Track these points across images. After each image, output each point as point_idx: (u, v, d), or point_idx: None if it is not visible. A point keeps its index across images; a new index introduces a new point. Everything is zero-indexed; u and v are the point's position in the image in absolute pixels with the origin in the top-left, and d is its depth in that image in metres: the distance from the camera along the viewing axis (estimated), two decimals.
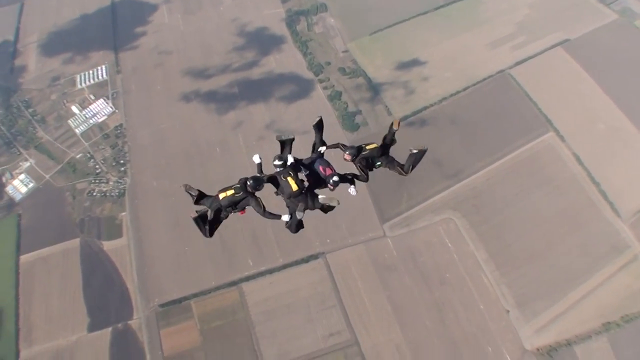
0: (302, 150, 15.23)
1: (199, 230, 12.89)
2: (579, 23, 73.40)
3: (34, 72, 73.81)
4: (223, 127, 65.75)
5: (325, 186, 13.29)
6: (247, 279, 53.44)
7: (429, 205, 57.31)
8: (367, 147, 13.92)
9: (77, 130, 66.68)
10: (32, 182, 62.47)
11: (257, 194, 12.91)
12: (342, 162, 13.99)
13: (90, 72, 72.74)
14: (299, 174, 13.40)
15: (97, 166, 63.44)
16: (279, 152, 13.55)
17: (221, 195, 12.69)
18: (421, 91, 67.54)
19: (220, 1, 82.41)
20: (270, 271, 53.74)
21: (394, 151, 14.30)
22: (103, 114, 68.21)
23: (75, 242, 57.01)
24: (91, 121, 67.50)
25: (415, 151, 13.87)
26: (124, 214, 59.13)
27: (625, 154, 59.66)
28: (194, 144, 64.15)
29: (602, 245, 53.78)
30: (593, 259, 52.96)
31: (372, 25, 75.98)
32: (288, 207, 13.12)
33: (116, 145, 65.10)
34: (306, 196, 12.94)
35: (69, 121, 67.57)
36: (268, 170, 13.35)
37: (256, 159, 13.63)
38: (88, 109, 68.62)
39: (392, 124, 14.24)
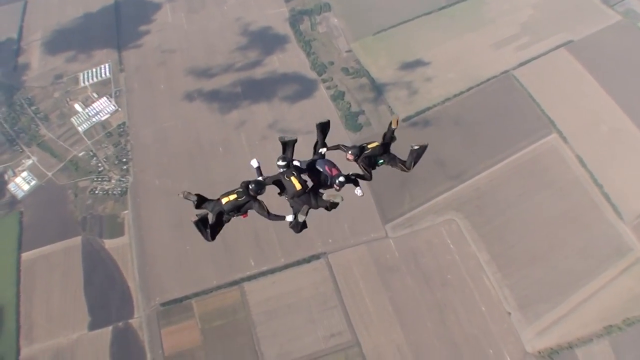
0: (304, 151, 15.21)
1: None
2: (582, 24, 73.60)
3: (37, 69, 74.08)
4: (226, 126, 65.97)
5: (329, 187, 13.33)
6: (249, 278, 53.62)
7: (432, 206, 57.52)
8: (369, 146, 14.01)
9: (79, 128, 66.94)
10: (34, 179, 62.70)
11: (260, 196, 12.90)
12: (344, 163, 13.98)
13: (94, 70, 73.02)
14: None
15: (99, 164, 63.71)
16: (281, 152, 13.66)
17: (224, 200, 12.66)
18: (424, 92, 67.78)
19: (223, 0, 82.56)
20: (272, 271, 53.94)
21: (396, 150, 14.38)
22: (106, 112, 68.46)
23: (77, 240, 57.17)
24: (94, 119, 67.76)
25: (416, 147, 14.02)
26: (126, 212, 59.34)
27: (628, 156, 59.86)
28: (197, 143, 64.37)
29: (605, 248, 53.90)
30: (595, 262, 53.08)
31: (376, 25, 76.23)
32: (292, 207, 13.10)
33: (119, 144, 65.36)
34: (309, 195, 12.93)
35: (72, 119, 67.86)
36: (268, 172, 13.52)
37: (254, 163, 13.69)
38: (91, 107, 68.87)
39: (391, 122, 14.34)
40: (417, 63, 71.18)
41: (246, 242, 54.59)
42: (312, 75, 71.18)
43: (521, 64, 69.51)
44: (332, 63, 72.29)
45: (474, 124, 63.85)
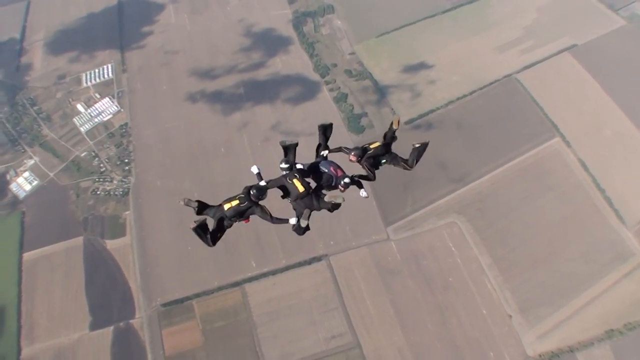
0: (306, 153, 15.61)
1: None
2: (586, 28, 73.97)
3: (40, 70, 75.01)
4: (228, 127, 66.71)
5: (334, 188, 13.49)
6: (250, 279, 54.29)
7: (434, 208, 58.08)
8: (371, 147, 14.20)
9: (82, 129, 67.84)
10: (36, 179, 63.55)
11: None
12: (347, 165, 14.09)
13: (96, 70, 73.89)
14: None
15: (101, 165, 64.60)
16: (283, 155, 13.86)
17: (226, 206, 12.72)
18: (428, 94, 68.37)
19: (227, 1, 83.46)
20: (273, 272, 54.58)
21: (398, 151, 14.61)
22: (108, 112, 69.38)
23: (79, 241, 57.98)
24: (96, 120, 68.65)
25: (417, 145, 14.28)
26: (127, 213, 60.14)
27: (631, 160, 60.27)
28: (199, 144, 65.13)
29: (607, 252, 54.36)
30: (597, 266, 53.54)
31: (379, 27, 76.87)
32: (295, 209, 13.21)
33: (121, 144, 66.24)
34: (312, 197, 13.00)
35: (74, 119, 68.78)
36: (271, 174, 13.75)
37: (254, 169, 13.79)
38: (93, 107, 69.80)
39: (392, 122, 14.49)
40: (421, 66, 71.73)
41: (247, 243, 55.15)
42: (315, 77, 71.86)
43: (525, 68, 70.03)
44: (335, 65, 72.93)
45: (476, 127, 64.43)
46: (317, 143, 14.50)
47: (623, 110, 64.44)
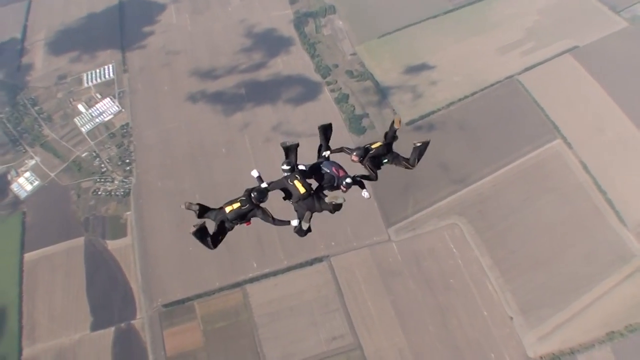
0: (308, 154, 15.87)
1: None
2: (588, 30, 73.98)
3: (41, 70, 75.61)
4: (229, 128, 67.13)
5: (336, 188, 13.64)
6: (251, 280, 54.67)
7: (435, 210, 58.32)
8: (373, 147, 14.34)
9: (83, 129, 68.42)
10: (37, 180, 64.08)
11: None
12: (349, 165, 14.30)
13: (97, 70, 74.46)
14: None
15: (102, 165, 65.15)
16: (284, 156, 14.06)
17: (227, 209, 12.82)
18: (429, 95, 68.64)
19: (228, 2, 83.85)
20: (274, 273, 54.97)
21: (399, 151, 14.87)
22: (109, 113, 69.93)
23: (80, 241, 58.48)
24: (97, 120, 69.21)
25: (419, 144, 14.42)
26: (128, 213, 60.62)
27: (632, 162, 60.31)
28: (200, 145, 65.58)
29: (608, 254, 54.46)
30: (598, 268, 53.66)
31: (381, 28, 77.25)
32: (296, 211, 13.38)
33: (122, 145, 66.77)
34: (313, 199, 13.13)
35: (75, 120, 69.38)
36: (273, 175, 14.02)
37: (254, 173, 13.90)
38: (94, 107, 70.39)
39: (392, 122, 14.58)
40: (422, 67, 71.97)
41: (249, 244, 55.51)
42: (317, 77, 72.21)
43: (526, 69, 70.09)
44: (336, 66, 73.30)
45: (478, 129, 64.69)
46: (318, 144, 14.73)
47: (625, 112, 64.48)
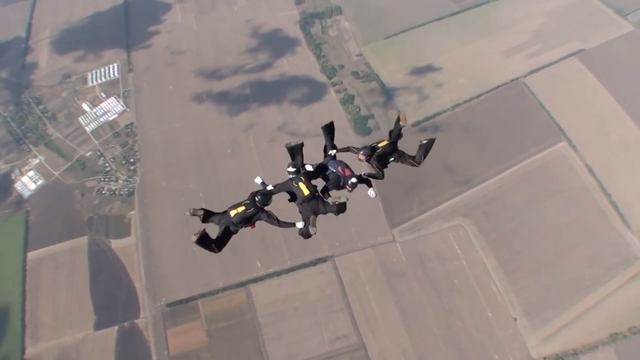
0: (313, 154, 16.00)
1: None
2: (594, 33, 74.85)
3: (46, 68, 76.87)
4: (234, 128, 68.17)
5: (342, 188, 13.85)
6: (255, 280, 55.59)
7: (439, 211, 59.23)
8: (379, 145, 14.52)
9: (87, 128, 69.49)
10: (41, 179, 65.07)
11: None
12: (356, 163, 14.69)
13: (102, 70, 75.66)
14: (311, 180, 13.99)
15: (106, 164, 66.06)
16: (289, 157, 14.46)
17: (232, 212, 13.03)
18: (435, 97, 69.57)
19: (234, 2, 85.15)
20: (278, 273, 55.92)
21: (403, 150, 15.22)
22: (114, 112, 71.04)
23: (83, 240, 59.44)
24: (102, 119, 70.32)
25: (425, 141, 14.74)
26: (132, 212, 61.56)
27: (637, 165, 60.95)
28: (205, 145, 66.58)
29: (612, 257, 55.25)
30: (602, 270, 54.48)
31: (387, 29, 78.39)
32: (301, 213, 13.55)
33: (126, 144, 67.79)
34: (318, 201, 13.34)
35: (80, 119, 70.46)
36: (274, 178, 14.64)
37: (257, 180, 14.18)
38: (99, 107, 71.50)
39: (398, 119, 14.83)
40: (428, 68, 72.92)
41: (253, 244, 56.31)
42: (322, 78, 73.28)
43: (532, 72, 70.95)
44: (342, 66, 74.38)
45: (483, 130, 65.56)
46: (323, 144, 15.08)
47: (630, 115, 65.33)
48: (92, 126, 69.96)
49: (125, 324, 54.44)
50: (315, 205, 13.33)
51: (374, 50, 76.56)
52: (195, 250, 58.16)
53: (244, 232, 13.45)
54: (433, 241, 57.72)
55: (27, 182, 65.16)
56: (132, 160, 66.61)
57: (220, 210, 13.45)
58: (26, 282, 57.14)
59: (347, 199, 13.13)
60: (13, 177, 66.07)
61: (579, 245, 56.53)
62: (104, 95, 73.13)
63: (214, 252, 12.86)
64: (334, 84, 72.51)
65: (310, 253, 56.57)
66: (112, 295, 56.30)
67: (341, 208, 13.16)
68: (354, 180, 13.56)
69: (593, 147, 63.39)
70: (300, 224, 13.37)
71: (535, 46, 74.97)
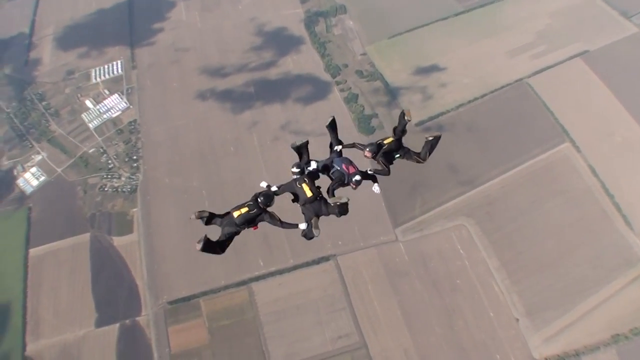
0: (318, 153, 16.31)
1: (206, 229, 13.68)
2: (599, 35, 75.61)
3: (49, 65, 77.62)
4: (238, 126, 68.87)
5: (346, 185, 14.08)
6: (257, 278, 56.28)
7: (442, 211, 59.96)
8: (385, 142, 14.84)
9: (90, 125, 70.26)
10: (43, 175, 65.81)
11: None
12: (362, 160, 15.02)
13: (106, 66, 76.55)
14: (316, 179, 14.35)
15: (109, 161, 66.85)
16: (293, 152, 14.82)
17: (235, 213, 13.28)
18: (439, 97, 70.34)
19: (238, 0, 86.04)
20: (281, 272, 56.60)
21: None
22: (117, 109, 71.91)
23: (86, 237, 60.10)
24: (105, 116, 71.13)
25: (430, 138, 15.00)
26: (135, 210, 62.26)
27: None
28: (208, 143, 67.30)
29: (614, 258, 55.94)
30: (604, 271, 55.18)
31: (391, 29, 79.20)
32: (304, 213, 13.76)
33: (129, 141, 68.60)
34: (320, 202, 13.59)
35: (83, 115, 71.24)
36: (276, 177, 15.42)
37: (263, 184, 14.32)
38: (102, 103, 72.31)
39: (402, 114, 15.11)
40: (432, 68, 73.68)
41: (255, 243, 56.86)
42: (326, 77, 74.14)
43: (536, 72, 71.82)
44: (346, 65, 75.23)
45: (487, 131, 66.29)
46: (327, 143, 15.28)
47: (633, 116, 66.04)
48: (95, 123, 70.69)
49: (127, 321, 55.03)
50: (317, 206, 13.58)
51: (379, 50, 77.37)
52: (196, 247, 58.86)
53: (247, 231, 13.65)
54: (436, 241, 58.36)
55: (30, 179, 65.74)
56: (135, 157, 67.32)
57: (224, 211, 13.78)
58: (28, 279, 57.65)
59: (348, 200, 13.38)
60: (15, 173, 66.66)
61: (582, 246, 57.19)
62: (107, 92, 73.88)
63: (218, 254, 13.25)
64: (338, 83, 73.34)
65: (312, 252, 57.05)
66: (113, 292, 56.82)
67: (343, 210, 13.46)
68: (357, 178, 13.87)
69: (596, 148, 64.12)
70: (303, 225, 13.59)
71: (539, 47, 75.71)
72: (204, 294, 56.02)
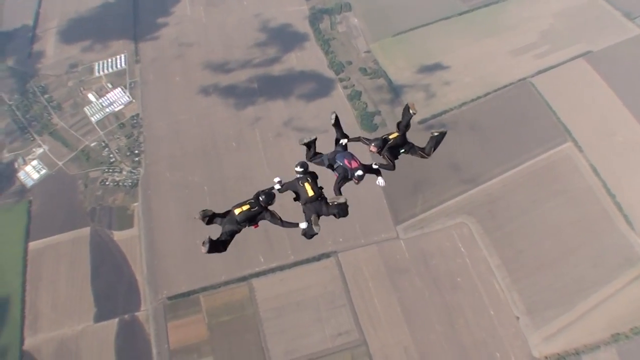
0: (321, 149, 15.99)
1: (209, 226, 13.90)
2: (602, 36, 76.15)
3: (52, 58, 78.15)
4: (240, 122, 69.31)
5: (349, 180, 14.12)
6: (258, 274, 56.62)
7: (444, 209, 60.39)
8: (391, 137, 14.77)
9: (92, 119, 70.73)
10: (44, 168, 66.23)
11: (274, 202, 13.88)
12: (365, 154, 14.99)
13: (109, 60, 77.07)
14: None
15: (111, 155, 67.30)
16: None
17: (237, 211, 13.44)
18: (442, 95, 70.88)
19: None
20: (281, 268, 56.91)
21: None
22: (120, 103, 72.38)
23: (86, 231, 60.45)
24: (107, 110, 71.64)
25: (436, 134, 14.87)
26: (136, 204, 62.61)
27: None
28: (210, 138, 67.73)
29: (615, 257, 56.33)
30: (605, 270, 55.56)
31: (395, 27, 79.75)
32: (304, 212, 13.84)
33: (131, 135, 69.03)
34: (321, 202, 13.66)
35: (85, 109, 71.74)
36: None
37: (276, 180, 14.50)
38: (105, 97, 72.84)
39: (407, 107, 15.04)
40: (436, 66, 74.22)
41: (256, 239, 56.24)
42: (330, 74, 74.62)
43: (539, 72, 72.45)
44: (350, 63, 75.81)
45: (489, 129, 66.74)
46: (330, 139, 15.40)
47: (635, 117, 66.57)
48: (98, 117, 71.11)
49: (126, 316, 55.29)
50: (318, 206, 13.66)
51: (383, 48, 77.92)
52: (198, 244, 59.02)
53: (247, 228, 13.74)
54: (437, 239, 58.74)
55: (31, 172, 66.08)
56: (136, 151, 67.70)
57: (225, 209, 14.00)
58: (27, 273, 58.01)
59: (346, 200, 13.49)
60: (16, 166, 67.01)
61: (583, 245, 57.60)
62: (110, 86, 74.41)
63: (220, 252, 13.23)
64: (341, 80, 73.83)
65: (313, 248, 57.24)
66: (113, 287, 57.15)
67: (342, 211, 13.62)
68: (359, 173, 13.85)
69: (598, 148, 64.60)
70: (303, 225, 13.69)
71: (543, 47, 76.26)
72: (204, 289, 56.24)
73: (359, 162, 14.31)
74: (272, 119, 69.58)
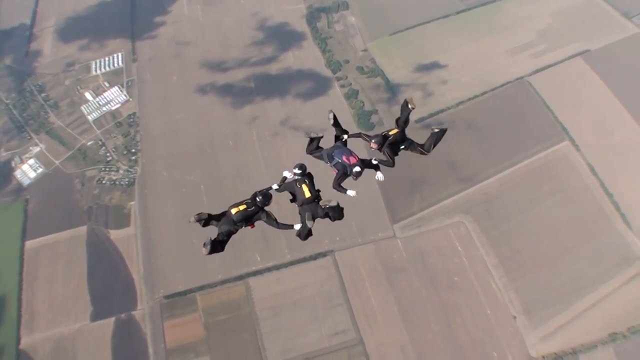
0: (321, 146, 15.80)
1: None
2: (599, 35, 76.02)
3: (49, 56, 78.01)
4: (237, 121, 69.17)
5: (347, 176, 13.97)
6: (254, 274, 56.46)
7: (441, 207, 60.22)
8: (391, 133, 14.68)
9: (89, 117, 70.54)
10: (41, 167, 66.05)
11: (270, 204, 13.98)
12: (364, 150, 15.12)
13: (106, 59, 76.93)
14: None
15: (107, 154, 67.15)
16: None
17: (233, 210, 13.48)
18: (439, 94, 70.73)
19: None
20: (278, 267, 56.75)
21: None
22: (117, 101, 72.24)
23: (82, 230, 60.31)
24: (104, 108, 71.45)
25: (436, 130, 14.85)
26: (132, 203, 62.44)
27: (639, 166, 62.26)
28: (208, 137, 67.61)
29: (612, 256, 56.19)
30: (602, 269, 55.40)
31: (393, 25, 79.60)
32: (300, 214, 13.84)
33: (128, 134, 68.89)
34: (317, 204, 13.62)
35: (82, 107, 71.56)
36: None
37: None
38: (102, 96, 72.67)
39: (405, 102, 14.85)
40: (433, 65, 74.12)
41: (252, 237, 55.38)
42: (327, 73, 74.50)
43: (536, 71, 72.27)
44: (347, 61, 75.74)
45: (486, 128, 66.61)
46: (329, 137, 15.26)
47: (633, 116, 66.47)
48: (94, 115, 70.97)
49: (122, 315, 55.11)
50: (314, 208, 13.62)
51: (380, 46, 77.83)
52: (194, 242, 58.07)
53: (243, 227, 13.77)
54: (434, 238, 58.61)
55: (27, 170, 65.91)
56: (133, 150, 67.59)
57: (222, 208, 14.01)
58: (23, 272, 57.81)
59: (338, 203, 13.51)
60: (13, 164, 66.86)
61: (580, 244, 57.48)
62: (107, 85, 74.29)
63: (218, 252, 13.23)
64: (338, 79, 73.76)
65: (310, 247, 56.84)
66: (109, 286, 56.93)
67: (336, 214, 13.53)
68: (357, 169, 13.78)
69: (595, 147, 64.52)
70: (298, 226, 13.72)
71: (540, 46, 76.16)
72: (201, 288, 56.06)
73: (358, 157, 14.20)
74: (269, 118, 69.46)
